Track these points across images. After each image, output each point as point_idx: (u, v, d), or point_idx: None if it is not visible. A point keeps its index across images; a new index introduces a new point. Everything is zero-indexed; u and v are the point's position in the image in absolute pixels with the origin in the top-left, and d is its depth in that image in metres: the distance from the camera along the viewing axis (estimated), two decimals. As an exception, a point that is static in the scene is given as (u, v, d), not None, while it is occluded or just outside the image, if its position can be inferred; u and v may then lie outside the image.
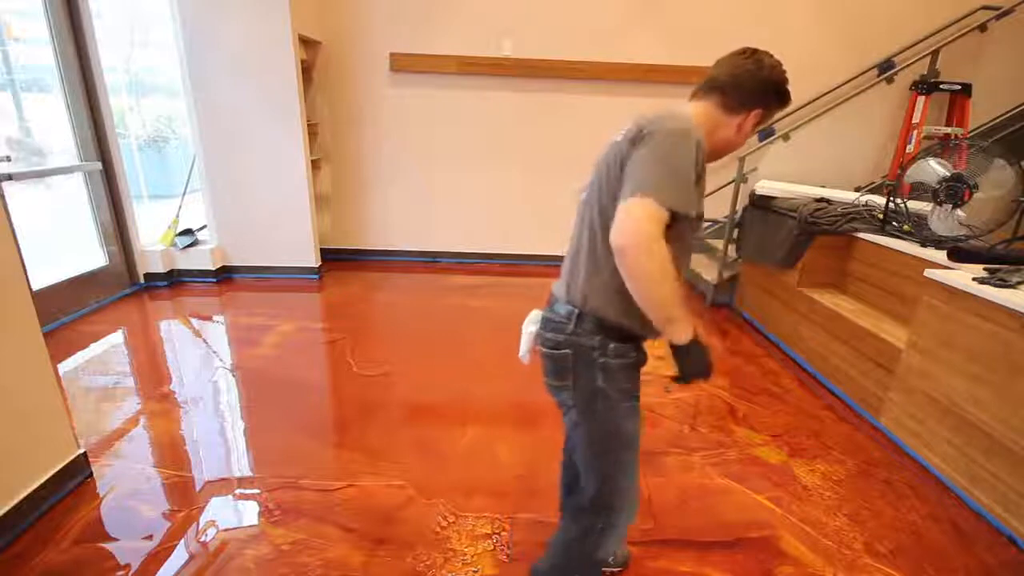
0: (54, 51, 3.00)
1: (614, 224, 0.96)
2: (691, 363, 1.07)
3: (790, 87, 1.15)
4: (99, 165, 3.29)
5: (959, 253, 2.08)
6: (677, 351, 1.06)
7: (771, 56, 1.14)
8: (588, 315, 1.09)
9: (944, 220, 2.31)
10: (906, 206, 2.52)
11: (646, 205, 0.93)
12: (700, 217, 1.05)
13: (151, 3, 4.12)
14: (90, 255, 3.40)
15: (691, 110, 1.15)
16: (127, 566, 1.51)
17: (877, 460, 2.12)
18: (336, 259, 4.52)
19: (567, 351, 1.11)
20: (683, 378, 1.10)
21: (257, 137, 3.69)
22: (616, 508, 1.19)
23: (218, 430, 2.19)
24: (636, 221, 0.93)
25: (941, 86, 3.76)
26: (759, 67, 1.12)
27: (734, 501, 1.87)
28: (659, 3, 3.98)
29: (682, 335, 1.03)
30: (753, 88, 1.12)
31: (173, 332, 3.15)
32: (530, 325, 1.28)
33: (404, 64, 4.06)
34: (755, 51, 1.14)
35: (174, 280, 3.82)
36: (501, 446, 2.13)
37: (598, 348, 1.08)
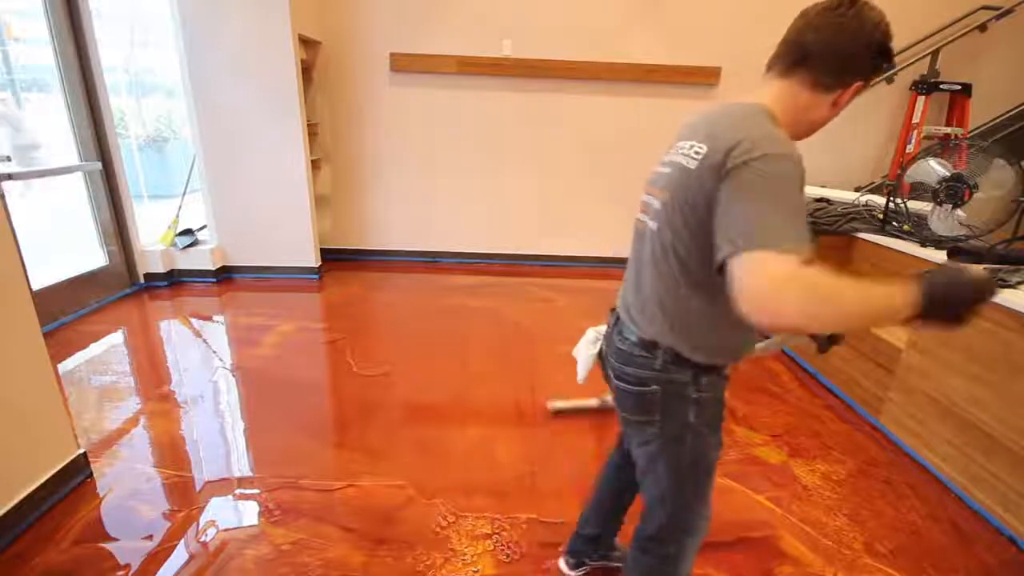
0: (54, 51, 3.00)
1: (739, 287, 0.79)
2: (952, 297, 0.78)
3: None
4: (99, 165, 3.28)
5: (959, 253, 2.08)
6: (924, 311, 0.78)
7: (872, 7, 0.90)
8: (678, 353, 0.99)
9: (944, 220, 2.31)
10: (906, 206, 2.52)
11: (775, 257, 0.77)
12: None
13: (151, 3, 4.12)
14: (90, 255, 3.40)
15: (768, 98, 0.97)
16: (127, 566, 1.51)
17: (877, 460, 2.12)
18: (336, 259, 4.51)
19: (655, 387, 1.02)
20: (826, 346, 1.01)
21: (257, 137, 3.69)
22: (691, 532, 1.15)
23: (218, 430, 2.19)
24: (770, 279, 0.77)
25: (941, 86, 3.77)
26: (861, 26, 0.88)
27: (734, 501, 1.87)
28: (659, 3, 3.98)
29: (903, 308, 0.78)
30: (855, 54, 0.89)
31: (173, 332, 3.15)
32: (590, 346, 1.23)
33: (404, 64, 4.07)
34: (853, 2, 0.88)
35: (174, 280, 3.82)
36: (501, 446, 2.13)
37: (691, 383, 1.00)
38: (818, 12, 0.91)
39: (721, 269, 0.83)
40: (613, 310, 1.18)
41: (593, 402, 2.40)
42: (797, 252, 0.77)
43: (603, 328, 1.24)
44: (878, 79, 0.96)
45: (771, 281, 0.77)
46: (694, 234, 0.90)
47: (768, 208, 0.81)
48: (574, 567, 1.55)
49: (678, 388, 1.01)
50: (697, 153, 0.90)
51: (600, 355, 1.23)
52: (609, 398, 2.38)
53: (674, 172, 0.95)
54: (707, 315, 0.96)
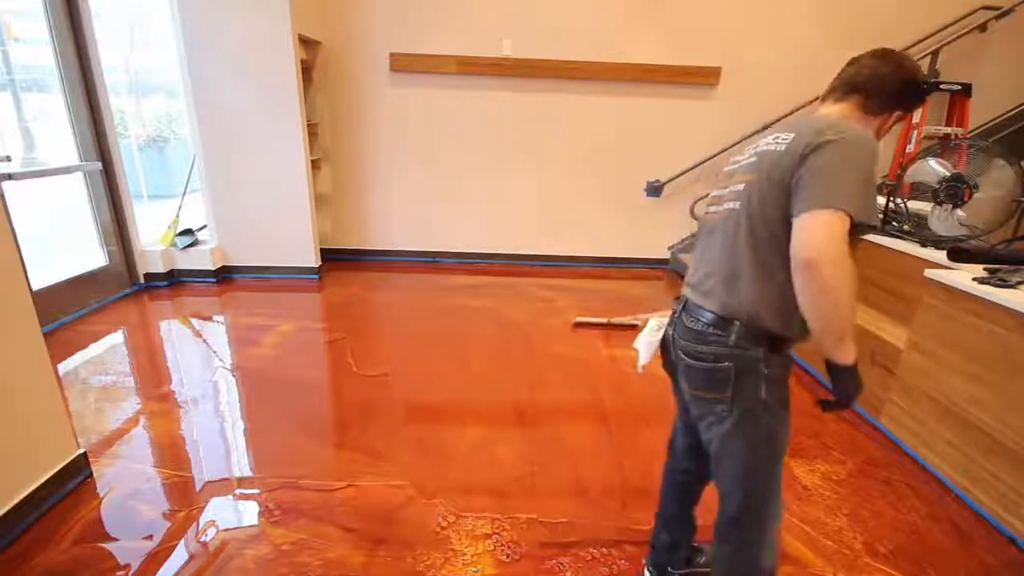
0: (54, 51, 3.00)
1: (799, 237, 0.94)
2: (852, 385, 1.04)
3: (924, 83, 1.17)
4: (99, 165, 3.28)
5: (959, 253, 2.08)
6: (839, 372, 1.03)
7: (909, 58, 1.16)
8: (751, 326, 1.06)
9: (944, 220, 2.31)
10: (906, 206, 2.52)
11: (837, 218, 0.91)
12: (873, 228, 1.00)
13: (151, 3, 4.12)
14: (90, 255, 3.40)
15: (832, 113, 1.15)
16: (127, 566, 1.51)
17: (877, 460, 2.12)
18: (336, 259, 4.52)
19: (727, 364, 1.08)
20: (837, 403, 1.08)
21: (257, 137, 3.69)
22: (768, 516, 1.17)
23: (218, 430, 2.19)
24: (828, 234, 0.91)
25: (941, 86, 3.76)
26: (900, 68, 1.12)
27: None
28: (659, 3, 3.98)
29: (850, 356, 1.00)
30: (895, 89, 1.12)
31: (173, 332, 3.15)
32: (653, 333, 1.27)
33: (404, 64, 4.07)
34: (892, 52, 1.15)
35: (174, 280, 3.82)
36: (501, 446, 2.13)
37: (762, 359, 1.06)
38: (866, 58, 1.15)
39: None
40: (679, 298, 1.25)
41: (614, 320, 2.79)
42: (854, 213, 0.91)
43: (665, 318, 1.29)
44: (912, 111, 1.21)
45: (827, 235, 0.91)
46: (778, 201, 1.01)
47: (846, 175, 0.94)
48: None
49: (750, 364, 1.07)
50: (783, 139, 1.04)
51: (663, 343, 1.28)
52: (624, 319, 2.73)
53: (761, 157, 1.08)
54: (783, 276, 1.01)
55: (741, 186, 1.10)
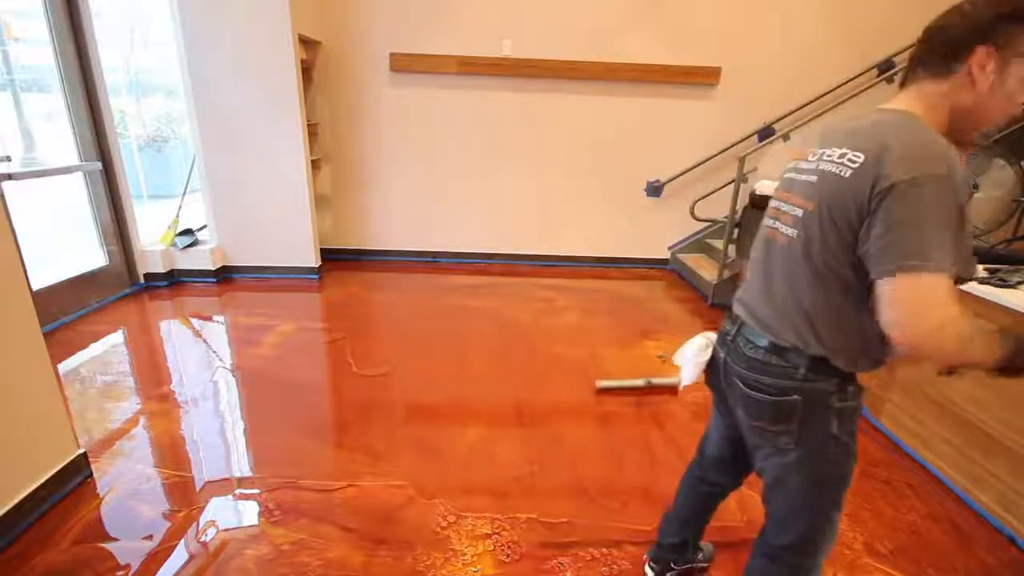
0: (54, 51, 3.00)
1: (889, 312, 0.84)
2: (1017, 357, 0.90)
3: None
4: (99, 165, 3.28)
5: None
6: (1000, 369, 0.92)
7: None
8: (823, 360, 0.98)
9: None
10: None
11: (937, 287, 0.80)
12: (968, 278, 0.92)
13: (151, 3, 4.12)
14: (90, 255, 3.40)
15: (912, 104, 0.96)
16: (127, 566, 1.51)
17: (877, 460, 2.12)
18: (336, 259, 4.52)
19: (796, 397, 1.01)
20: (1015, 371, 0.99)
21: (257, 137, 3.69)
22: (822, 546, 1.13)
23: (218, 430, 2.19)
24: (931, 314, 0.81)
25: (941, 86, 3.76)
26: (972, 4, 0.89)
27: (735, 501, 1.87)
28: (659, 3, 3.98)
29: (991, 357, 0.89)
30: (950, 24, 0.90)
31: (173, 332, 3.15)
32: (700, 353, 1.22)
33: (404, 64, 4.06)
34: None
35: (174, 280, 3.82)
36: (501, 446, 2.13)
37: (835, 392, 0.99)
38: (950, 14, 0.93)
39: (870, 285, 0.87)
40: (731, 315, 1.17)
41: (639, 382, 2.52)
42: (947, 276, 0.80)
43: (713, 335, 1.23)
44: (1009, 45, 0.85)
45: (931, 315, 0.81)
46: (844, 242, 0.90)
47: (923, 231, 0.81)
48: (659, 574, 1.53)
49: (821, 397, 1.00)
50: (852, 162, 0.89)
51: (710, 361, 1.22)
52: (655, 380, 2.46)
53: (822, 181, 0.95)
54: (855, 321, 0.95)
55: (799, 212, 0.99)
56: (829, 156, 0.95)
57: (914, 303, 0.82)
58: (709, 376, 1.24)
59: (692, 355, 1.23)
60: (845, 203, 0.89)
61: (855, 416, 1.04)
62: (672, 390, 2.50)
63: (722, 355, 1.16)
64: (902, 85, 1.01)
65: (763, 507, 1.18)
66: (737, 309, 1.15)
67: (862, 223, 0.87)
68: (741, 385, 1.09)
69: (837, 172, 0.91)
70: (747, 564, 1.24)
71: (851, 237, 0.89)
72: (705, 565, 1.58)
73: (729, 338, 1.14)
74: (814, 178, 0.97)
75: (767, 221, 1.10)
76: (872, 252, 0.86)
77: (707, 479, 1.41)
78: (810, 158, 1.01)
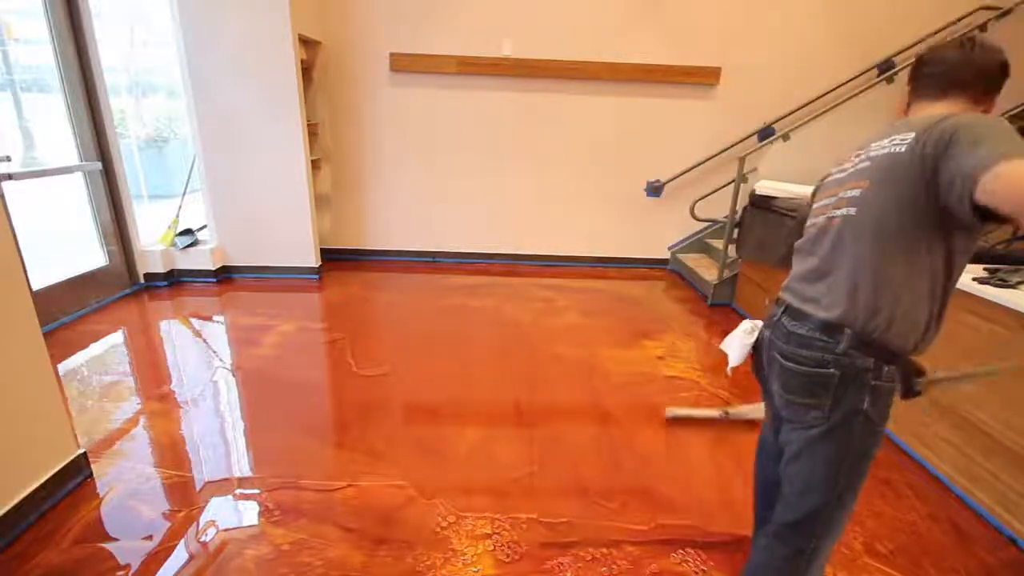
0: (54, 51, 3.00)
1: (998, 180, 0.81)
2: None
3: None
4: (99, 165, 3.29)
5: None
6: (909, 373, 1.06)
7: (987, 38, 1.10)
8: (865, 336, 1.02)
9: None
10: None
11: (1015, 161, 0.81)
12: None
13: (151, 3, 4.12)
14: (90, 255, 3.40)
15: (935, 111, 1.06)
16: (127, 566, 1.51)
17: (877, 460, 2.10)
18: (336, 259, 4.52)
19: (832, 371, 1.05)
20: (908, 392, 1.08)
21: (257, 137, 3.69)
22: (832, 528, 1.14)
23: (218, 430, 2.19)
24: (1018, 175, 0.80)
25: (941, 86, 3.76)
26: (994, 52, 1.07)
27: (734, 501, 1.87)
28: (659, 3, 3.98)
29: None
30: (994, 74, 1.07)
31: (173, 332, 3.15)
32: (746, 337, 1.26)
33: (404, 64, 4.06)
34: (973, 38, 1.09)
35: (174, 280, 3.82)
36: (501, 446, 2.13)
37: (872, 370, 1.03)
38: (953, 51, 1.08)
39: (952, 209, 0.90)
40: (777, 301, 1.21)
41: (713, 413, 2.36)
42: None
43: (759, 321, 1.28)
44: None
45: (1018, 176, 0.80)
46: (906, 208, 0.96)
47: (996, 141, 0.86)
48: None
49: (857, 373, 1.04)
50: (902, 140, 0.98)
51: (756, 346, 1.26)
52: (732, 410, 2.35)
53: (875, 163, 1.03)
54: (915, 293, 1.00)
55: (856, 192, 1.05)
56: (877, 146, 1.05)
57: (1013, 165, 0.81)
58: (755, 362, 1.28)
59: (739, 337, 1.27)
60: (905, 170, 0.96)
61: (889, 398, 1.07)
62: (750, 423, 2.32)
63: (767, 335, 1.21)
64: (906, 111, 1.15)
65: (779, 488, 1.19)
66: (783, 294, 1.20)
67: (924, 182, 0.93)
68: (780, 359, 1.14)
69: (890, 151, 1.00)
70: (752, 546, 1.26)
71: (912, 200, 0.95)
72: None
73: (775, 319, 1.19)
74: (865, 164, 1.06)
75: (814, 219, 1.17)
76: (954, 181, 0.88)
77: (771, 479, 1.39)
78: (852, 158, 1.12)
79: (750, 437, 2.24)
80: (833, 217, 1.10)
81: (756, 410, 2.31)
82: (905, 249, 0.98)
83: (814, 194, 1.26)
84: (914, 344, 1.04)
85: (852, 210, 1.05)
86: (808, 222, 1.21)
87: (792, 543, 1.17)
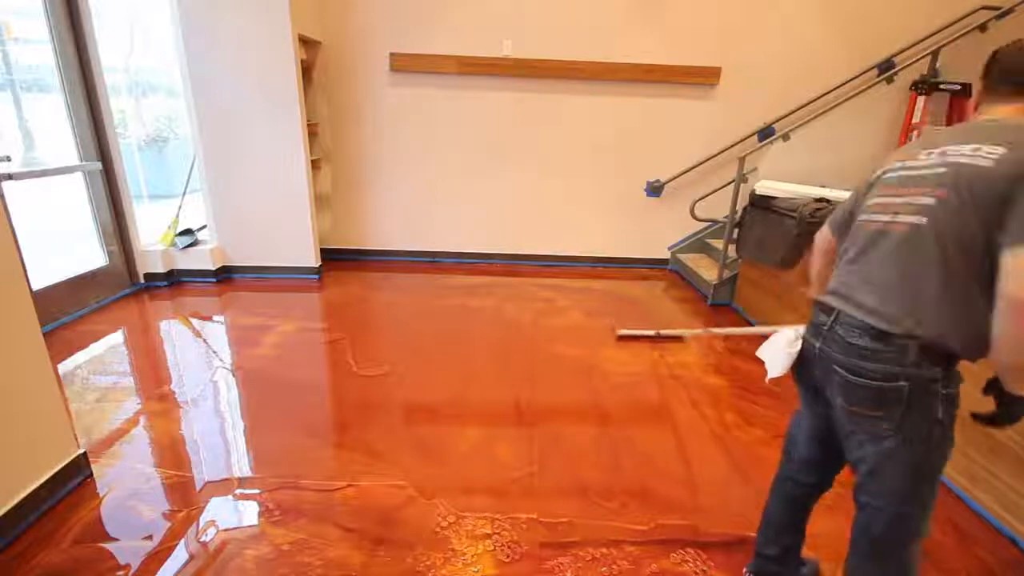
0: (54, 51, 3.00)
1: (1015, 275, 0.90)
2: (1021, 411, 1.07)
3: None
4: (99, 165, 3.29)
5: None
6: (1016, 401, 1.06)
7: None
8: (932, 346, 1.00)
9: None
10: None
11: None
12: None
13: (151, 3, 4.12)
14: (90, 255, 3.40)
15: (1012, 115, 1.07)
16: (127, 566, 1.51)
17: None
18: (336, 259, 4.52)
19: (902, 383, 1.03)
20: (999, 423, 1.10)
21: (257, 137, 3.69)
22: (919, 536, 1.14)
23: (218, 430, 2.19)
24: None
25: (941, 86, 3.76)
26: None
27: (735, 500, 1.87)
28: (659, 3, 3.98)
29: None
30: None
31: (173, 332, 3.15)
32: (791, 345, 1.23)
33: (404, 64, 4.06)
34: None
35: (174, 280, 3.82)
36: (501, 446, 2.13)
37: (941, 379, 1.02)
38: (1018, 52, 1.09)
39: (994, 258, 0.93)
40: (823, 306, 1.17)
41: (649, 332, 2.90)
42: None
43: (799, 328, 1.24)
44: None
45: None
46: (984, 226, 0.95)
47: None
48: None
49: (928, 384, 1.02)
50: (991, 154, 0.97)
51: (801, 355, 1.23)
52: (664, 331, 2.87)
53: (954, 171, 1.00)
54: (979, 304, 0.98)
55: (930, 200, 1.02)
56: (955, 151, 1.02)
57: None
58: (798, 369, 1.25)
59: (783, 347, 1.23)
60: (992, 187, 0.94)
61: (956, 403, 1.06)
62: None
63: (816, 345, 1.17)
64: (975, 108, 1.14)
65: (855, 502, 1.18)
66: (831, 300, 1.15)
67: (1002, 204, 0.93)
68: (842, 372, 1.10)
69: (974, 163, 0.98)
70: (845, 566, 1.24)
71: (994, 217, 0.94)
72: None
73: (825, 328, 1.14)
74: (944, 170, 1.02)
75: (873, 216, 1.13)
76: (1009, 226, 0.92)
77: (798, 480, 1.40)
78: (921, 157, 1.08)
79: (751, 437, 2.25)
80: (896, 222, 1.06)
81: (684, 332, 3.00)
82: (979, 263, 0.97)
83: (870, 186, 1.20)
84: (981, 354, 1.02)
85: (923, 219, 1.02)
86: (861, 217, 1.17)
87: (887, 555, 1.16)
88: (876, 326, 1.04)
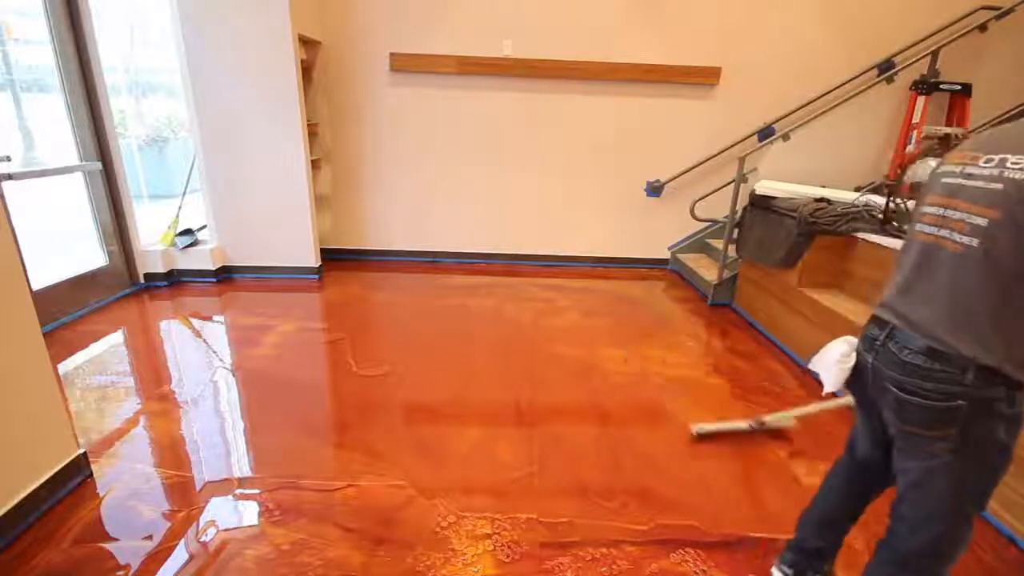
0: (54, 51, 3.00)
1: None
2: None
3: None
4: (99, 165, 3.29)
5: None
6: None
7: None
8: (993, 367, 0.97)
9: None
10: (906, 206, 2.52)
11: None
12: None
13: (151, 3, 4.12)
14: (90, 255, 3.40)
15: None
16: (127, 566, 1.51)
17: (877, 460, 2.12)
18: (336, 259, 4.52)
19: (961, 403, 1.00)
20: None
21: (257, 137, 3.69)
22: (957, 549, 1.12)
23: (218, 430, 2.19)
24: None
25: (941, 86, 3.76)
26: None
27: (734, 501, 1.87)
28: (659, 3, 3.98)
29: None
30: None
31: (173, 332, 3.15)
32: (845, 359, 1.20)
33: (404, 64, 4.06)
34: None
35: (174, 280, 3.82)
36: (501, 446, 2.13)
37: (1003, 399, 0.99)
38: None
39: None
40: (877, 320, 1.16)
41: (742, 425, 2.24)
42: None
43: (854, 340, 1.22)
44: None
45: None
46: None
47: None
48: None
49: (988, 404, 1.00)
50: None
51: (855, 367, 1.20)
52: (766, 418, 2.24)
53: (1011, 188, 0.94)
54: None
55: (983, 221, 0.96)
56: (1015, 164, 0.95)
57: None
58: (852, 382, 1.22)
59: (836, 360, 1.20)
60: None
61: (1021, 422, 1.03)
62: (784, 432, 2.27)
63: (869, 360, 1.15)
64: None
65: (892, 510, 1.17)
66: (885, 314, 1.13)
67: None
68: (896, 390, 1.08)
69: (1015, 176, 0.93)
70: (867, 571, 1.23)
71: None
72: None
73: (878, 343, 1.12)
74: (999, 186, 0.96)
75: (925, 228, 1.08)
76: None
77: (858, 479, 1.38)
78: (982, 164, 1.01)
79: (752, 437, 2.25)
80: (950, 239, 1.02)
81: (784, 419, 2.27)
82: None
83: (930, 185, 1.15)
84: None
85: (974, 241, 0.97)
86: (917, 225, 1.12)
87: (920, 567, 1.14)
88: (932, 343, 1.02)
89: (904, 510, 1.14)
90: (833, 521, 1.43)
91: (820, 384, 1.26)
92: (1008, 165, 0.96)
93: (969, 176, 1.02)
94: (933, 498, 1.09)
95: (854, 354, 1.20)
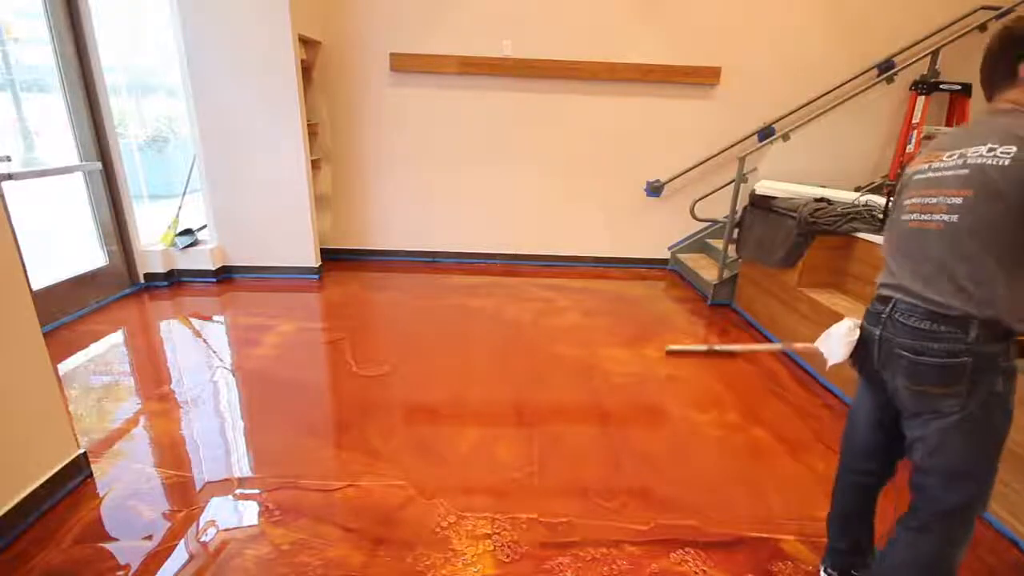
0: (54, 51, 3.00)
1: None
2: None
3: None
4: (99, 165, 3.29)
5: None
6: None
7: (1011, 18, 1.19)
8: (991, 325, 1.07)
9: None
10: (906, 206, 2.51)
11: None
12: None
13: (151, 3, 4.12)
14: (90, 255, 3.40)
15: (1011, 105, 1.14)
16: (127, 566, 1.51)
17: (877, 460, 2.12)
18: (336, 259, 4.52)
19: (966, 359, 1.10)
20: None
21: (257, 137, 3.69)
22: (976, 512, 1.19)
23: (218, 430, 2.19)
24: None
25: (941, 86, 3.76)
26: (1012, 27, 1.22)
27: (734, 500, 1.87)
28: (659, 3, 3.98)
29: None
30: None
31: (173, 332, 3.15)
32: (850, 333, 1.29)
33: (404, 64, 4.07)
34: (1004, 27, 1.23)
35: (174, 280, 3.82)
36: (501, 446, 2.13)
37: (1002, 354, 1.09)
38: (993, 41, 1.24)
39: None
40: (881, 298, 1.25)
41: (702, 347, 2.78)
42: None
43: (857, 319, 1.31)
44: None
45: None
46: (1018, 217, 1.03)
47: None
48: None
49: (989, 358, 1.09)
50: (1005, 153, 1.05)
51: (860, 342, 1.28)
52: (717, 346, 2.79)
53: (976, 172, 1.08)
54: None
55: (958, 200, 1.10)
56: (975, 153, 1.09)
57: None
58: (857, 357, 1.31)
59: (842, 335, 1.29)
60: (1012, 183, 1.03)
61: (1016, 376, 1.12)
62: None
63: (876, 332, 1.23)
64: (990, 98, 1.22)
65: (912, 485, 1.24)
66: (886, 292, 1.24)
67: None
68: (908, 354, 1.16)
69: (995, 163, 1.05)
70: (888, 545, 1.29)
71: (1018, 212, 1.03)
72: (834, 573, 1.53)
73: (884, 316, 1.22)
74: (965, 171, 1.10)
75: (909, 216, 1.21)
76: None
77: (859, 469, 1.43)
78: (945, 159, 1.15)
79: (752, 437, 2.25)
80: (932, 220, 1.14)
81: (736, 347, 2.78)
82: (1021, 246, 1.04)
83: (903, 187, 1.28)
84: None
85: (954, 217, 1.10)
86: (902, 216, 1.24)
87: (944, 534, 1.20)
88: (937, 311, 1.12)
89: (925, 478, 1.20)
90: (851, 517, 1.48)
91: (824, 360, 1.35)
92: (968, 155, 1.11)
93: (937, 170, 1.17)
94: (952, 461, 1.16)
95: (858, 329, 1.29)
